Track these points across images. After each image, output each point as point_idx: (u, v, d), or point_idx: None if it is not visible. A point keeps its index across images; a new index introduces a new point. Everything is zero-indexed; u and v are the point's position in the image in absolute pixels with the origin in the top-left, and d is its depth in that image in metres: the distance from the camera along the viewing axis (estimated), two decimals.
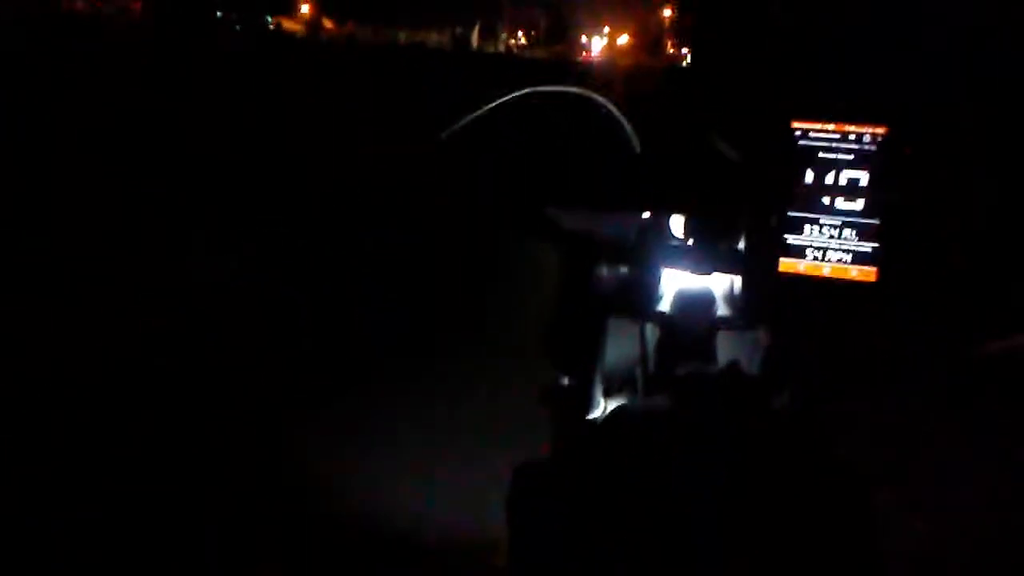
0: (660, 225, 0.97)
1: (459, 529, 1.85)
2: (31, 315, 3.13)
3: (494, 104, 1.01)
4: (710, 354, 1.01)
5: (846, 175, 0.88)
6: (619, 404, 1.05)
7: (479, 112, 1.04)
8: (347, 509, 2.00)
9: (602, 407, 1.07)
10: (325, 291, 3.76)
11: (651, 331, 1.04)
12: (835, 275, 0.89)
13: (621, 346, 1.05)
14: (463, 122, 1.03)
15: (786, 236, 0.89)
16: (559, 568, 0.80)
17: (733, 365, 0.81)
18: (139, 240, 4.27)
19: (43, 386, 2.55)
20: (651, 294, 0.97)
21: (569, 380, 1.09)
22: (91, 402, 2.47)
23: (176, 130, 7.36)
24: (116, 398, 2.51)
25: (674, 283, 0.98)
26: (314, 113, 9.21)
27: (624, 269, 1.02)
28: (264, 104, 9.78)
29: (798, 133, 0.88)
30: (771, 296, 0.92)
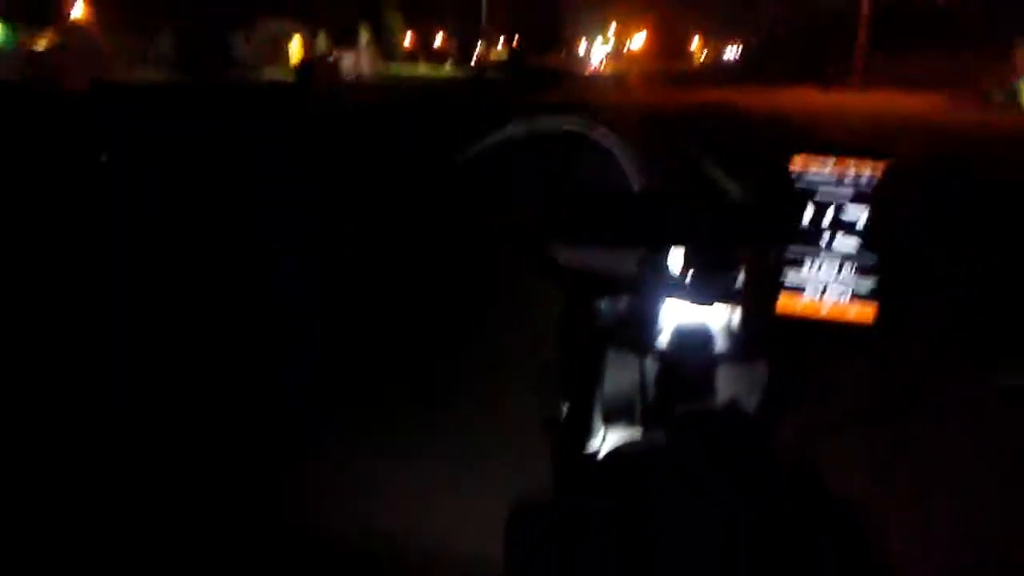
0: (659, 259, 0.97)
1: (469, 555, 1.84)
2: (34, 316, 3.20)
3: (496, 140, 1.02)
4: (709, 388, 1.00)
5: (845, 212, 0.87)
6: (618, 438, 1.05)
7: (483, 144, 1.05)
8: (359, 528, 2.00)
9: (600, 437, 1.07)
10: (339, 309, 3.78)
11: (650, 364, 1.04)
12: (832, 316, 0.88)
13: (620, 378, 1.05)
14: (475, 149, 1.04)
15: (784, 273, 0.89)
16: None
17: (733, 404, 0.81)
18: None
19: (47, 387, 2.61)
20: (650, 328, 0.96)
21: (567, 411, 1.09)
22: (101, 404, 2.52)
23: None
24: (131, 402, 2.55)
25: (673, 317, 0.98)
26: None
27: (623, 302, 1.02)
28: None
29: (797, 169, 0.88)
30: (769, 333, 0.92)
